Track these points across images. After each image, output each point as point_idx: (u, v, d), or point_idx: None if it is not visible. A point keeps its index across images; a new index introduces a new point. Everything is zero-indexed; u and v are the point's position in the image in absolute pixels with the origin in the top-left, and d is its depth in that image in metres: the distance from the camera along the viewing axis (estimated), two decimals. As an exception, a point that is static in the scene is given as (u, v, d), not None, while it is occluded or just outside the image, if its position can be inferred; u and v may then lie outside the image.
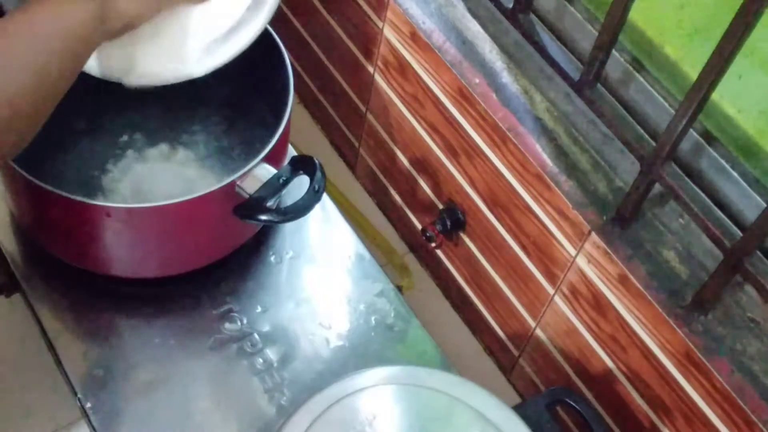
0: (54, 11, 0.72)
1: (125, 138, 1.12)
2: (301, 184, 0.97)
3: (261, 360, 1.02)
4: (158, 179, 1.09)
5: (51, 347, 1.01)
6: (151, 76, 0.87)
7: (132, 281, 1.04)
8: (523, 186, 1.13)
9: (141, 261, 1.02)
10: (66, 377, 0.99)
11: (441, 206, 1.34)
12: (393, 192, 1.47)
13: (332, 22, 1.42)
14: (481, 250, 1.29)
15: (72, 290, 1.04)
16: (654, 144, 0.96)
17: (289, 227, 1.13)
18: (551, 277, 1.16)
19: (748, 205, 0.96)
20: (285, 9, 1.52)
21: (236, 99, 1.13)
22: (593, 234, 1.04)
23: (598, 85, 1.03)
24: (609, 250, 1.02)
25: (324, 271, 1.11)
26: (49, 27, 0.72)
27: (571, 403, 1.01)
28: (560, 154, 1.08)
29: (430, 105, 1.25)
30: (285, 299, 1.07)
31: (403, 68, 1.28)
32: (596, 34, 1.00)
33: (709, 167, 0.99)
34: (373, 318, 1.07)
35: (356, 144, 1.52)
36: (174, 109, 1.13)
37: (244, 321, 1.04)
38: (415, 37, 1.21)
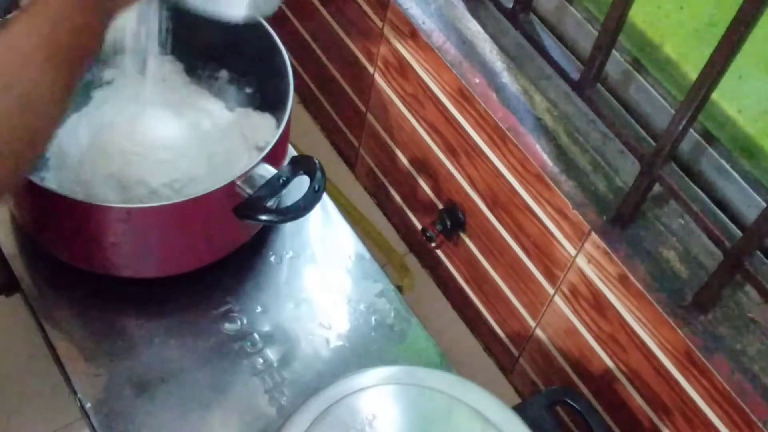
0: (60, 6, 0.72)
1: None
2: (301, 184, 0.97)
3: (261, 360, 1.02)
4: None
5: (51, 347, 1.01)
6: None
7: (132, 281, 1.04)
8: (523, 186, 1.13)
9: (141, 261, 1.02)
10: (66, 377, 0.99)
11: (441, 206, 1.34)
12: (393, 192, 1.47)
13: (332, 22, 1.42)
14: (481, 250, 1.29)
15: (72, 290, 1.04)
16: (654, 144, 0.96)
17: (289, 227, 1.13)
18: (551, 277, 1.16)
19: (748, 205, 0.96)
20: (285, 9, 1.52)
21: (236, 99, 1.13)
22: (593, 234, 1.04)
23: (598, 85, 1.03)
24: (609, 250, 1.02)
25: (324, 271, 1.11)
26: (56, 19, 0.70)
27: (571, 403, 1.01)
28: (560, 154, 1.08)
29: (430, 105, 1.25)
30: (285, 299, 1.07)
31: (403, 68, 1.28)
32: (596, 34, 1.00)
33: (709, 167, 0.99)
34: (373, 318, 1.07)
35: (356, 144, 1.52)
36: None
37: (244, 321, 1.04)
38: (415, 37, 1.21)
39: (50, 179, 1.01)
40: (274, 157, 0.97)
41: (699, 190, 0.98)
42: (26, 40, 0.69)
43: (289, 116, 1.01)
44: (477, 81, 1.14)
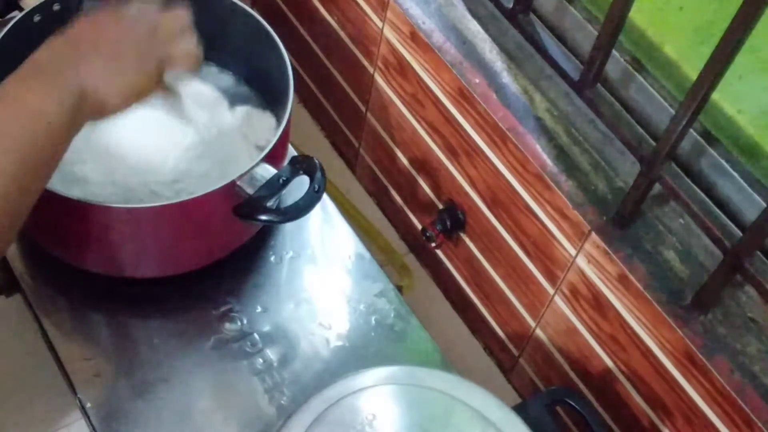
0: (32, 108, 0.71)
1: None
2: (301, 184, 0.97)
3: (261, 360, 1.02)
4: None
5: (51, 347, 1.01)
6: None
7: (132, 281, 1.04)
8: (523, 186, 1.13)
9: (141, 261, 1.02)
10: (66, 377, 0.99)
11: (441, 206, 1.34)
12: (393, 192, 1.47)
13: (332, 22, 1.42)
14: (481, 250, 1.29)
15: (72, 290, 1.04)
16: (654, 144, 0.96)
17: (289, 227, 1.13)
18: (551, 277, 1.16)
19: (748, 205, 0.96)
20: (285, 9, 1.52)
21: (236, 99, 1.13)
22: (593, 234, 1.04)
23: (598, 85, 1.03)
24: (609, 250, 1.02)
25: (324, 271, 1.11)
26: (29, 124, 0.70)
27: (571, 403, 1.01)
28: (560, 154, 1.08)
29: (430, 105, 1.25)
30: (285, 299, 1.07)
31: (403, 68, 1.28)
32: (596, 34, 1.00)
33: (709, 167, 0.99)
34: (373, 318, 1.07)
35: (356, 144, 1.52)
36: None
37: (244, 321, 1.04)
38: (415, 37, 1.21)
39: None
40: (274, 157, 0.97)
41: (699, 190, 0.98)
42: None
43: (290, 116, 1.01)
44: (477, 81, 1.14)
